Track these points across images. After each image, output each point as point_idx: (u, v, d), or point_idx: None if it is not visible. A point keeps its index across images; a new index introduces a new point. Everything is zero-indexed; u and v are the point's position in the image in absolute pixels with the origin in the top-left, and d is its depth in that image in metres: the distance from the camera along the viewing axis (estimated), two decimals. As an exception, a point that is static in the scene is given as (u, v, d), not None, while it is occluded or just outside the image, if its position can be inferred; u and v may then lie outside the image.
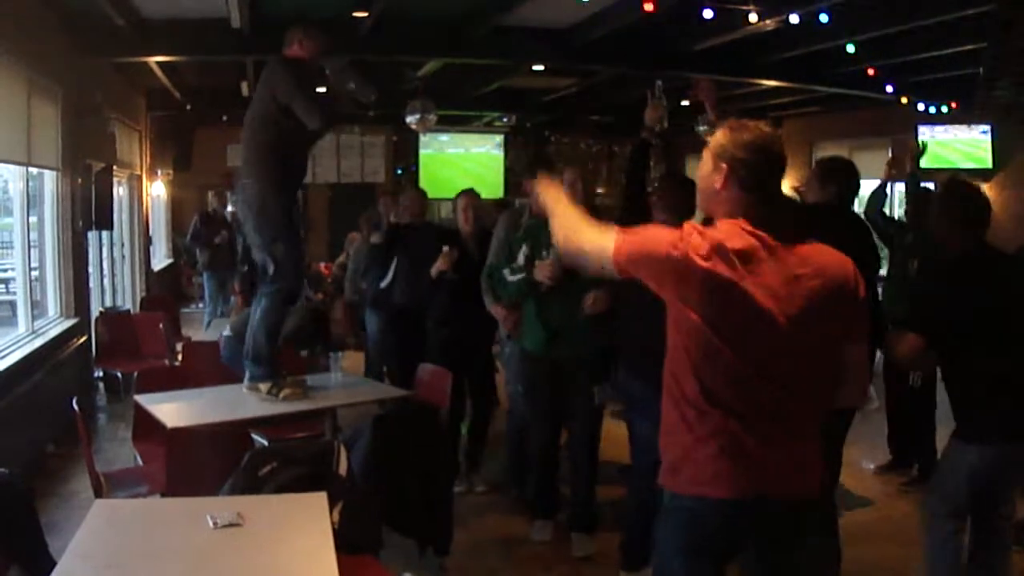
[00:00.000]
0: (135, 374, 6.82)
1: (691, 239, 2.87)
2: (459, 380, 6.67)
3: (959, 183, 4.72)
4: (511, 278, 6.04)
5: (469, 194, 7.51)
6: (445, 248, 6.89)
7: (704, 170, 3.03)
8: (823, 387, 3.01)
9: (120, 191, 13.08)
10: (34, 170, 8.84)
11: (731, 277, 2.82)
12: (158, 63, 11.44)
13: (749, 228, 2.90)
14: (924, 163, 11.56)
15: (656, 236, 2.96)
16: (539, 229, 5.68)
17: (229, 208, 13.03)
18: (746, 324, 2.85)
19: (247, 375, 6.05)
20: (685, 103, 16.31)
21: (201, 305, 16.18)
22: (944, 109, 13.57)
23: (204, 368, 7.07)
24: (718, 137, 3.00)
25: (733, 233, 2.89)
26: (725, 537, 3.03)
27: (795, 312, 2.85)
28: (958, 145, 13.95)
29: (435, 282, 6.95)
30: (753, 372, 2.87)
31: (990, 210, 4.51)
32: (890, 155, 12.60)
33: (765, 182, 2.94)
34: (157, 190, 16.71)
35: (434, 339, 7.10)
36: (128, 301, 13.47)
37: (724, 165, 2.95)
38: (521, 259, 5.99)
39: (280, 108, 5.85)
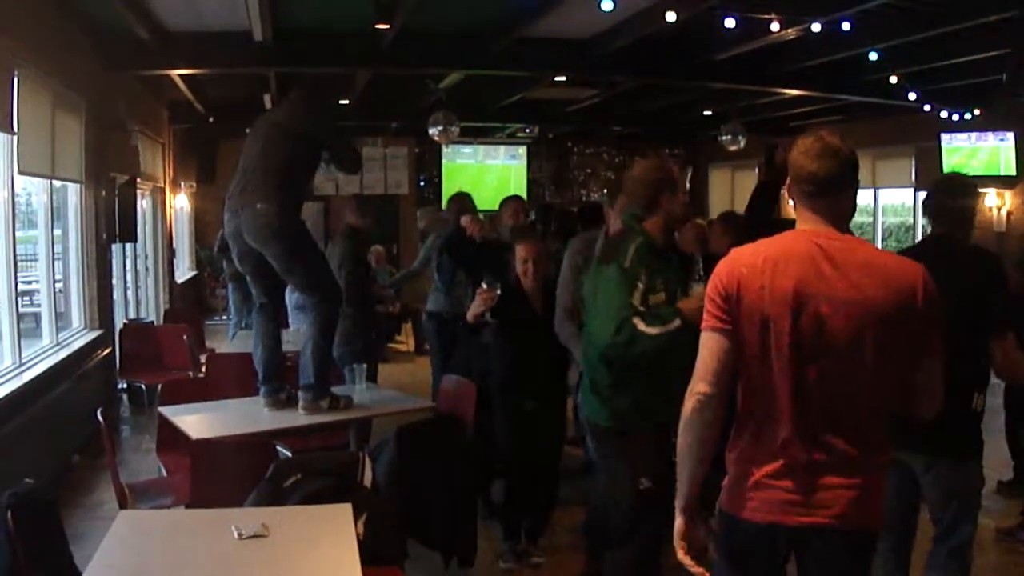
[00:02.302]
0: (159, 386, 6.83)
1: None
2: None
3: None
4: (651, 330, 4.12)
5: (518, 200, 7.00)
6: (484, 283, 5.76)
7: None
8: (883, 399, 2.93)
9: (144, 203, 13.14)
10: (58, 183, 8.89)
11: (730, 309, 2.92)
12: (181, 76, 11.48)
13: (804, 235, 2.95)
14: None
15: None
16: (648, 251, 4.38)
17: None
18: (764, 334, 2.86)
19: (307, 398, 6.00)
20: (707, 113, 16.36)
21: (224, 317, 16.23)
22: (967, 116, 13.50)
23: (228, 380, 7.06)
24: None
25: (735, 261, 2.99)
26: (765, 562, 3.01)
27: (845, 321, 2.81)
28: (981, 153, 13.89)
29: (474, 330, 6.12)
30: (799, 382, 2.85)
31: None
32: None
33: (811, 191, 2.95)
34: (180, 202, 16.77)
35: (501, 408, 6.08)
36: (152, 313, 13.52)
37: (789, 175, 3.02)
38: (660, 296, 4.32)
39: (311, 146, 5.99)
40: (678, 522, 3.07)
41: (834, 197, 2.94)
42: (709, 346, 2.96)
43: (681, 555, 3.06)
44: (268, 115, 6.44)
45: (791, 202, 3.03)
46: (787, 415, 2.86)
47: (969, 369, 4.13)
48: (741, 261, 2.95)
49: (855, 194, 3.02)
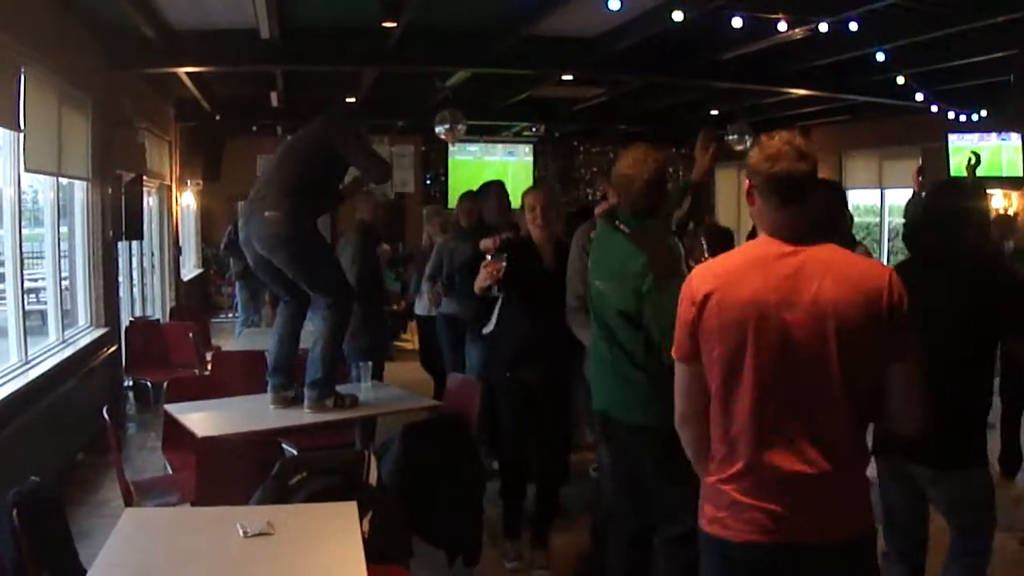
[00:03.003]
0: (165, 383, 6.83)
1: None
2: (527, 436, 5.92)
3: None
4: None
5: (543, 190, 6.30)
6: (488, 253, 5.73)
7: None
8: (856, 408, 2.84)
9: (150, 201, 13.14)
10: (64, 180, 8.90)
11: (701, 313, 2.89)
12: (187, 74, 11.48)
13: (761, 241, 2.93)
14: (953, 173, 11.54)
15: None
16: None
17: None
18: (738, 342, 2.83)
19: (313, 395, 6.03)
20: (714, 112, 16.34)
21: (230, 315, 16.24)
22: (975, 117, 13.47)
23: (234, 378, 7.07)
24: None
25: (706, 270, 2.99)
26: None
27: (809, 324, 2.76)
28: (988, 154, 13.85)
29: (481, 302, 6.15)
30: (767, 391, 2.80)
31: None
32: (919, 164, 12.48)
33: (775, 191, 2.88)
34: (187, 200, 16.78)
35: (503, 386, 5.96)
36: (158, 311, 13.53)
37: (747, 180, 2.96)
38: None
39: (327, 156, 5.99)
40: None
41: (800, 202, 2.87)
42: (680, 377, 3.04)
43: None
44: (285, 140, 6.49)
45: (750, 206, 2.96)
46: (758, 430, 2.82)
47: (973, 379, 4.06)
48: (699, 278, 2.94)
49: (821, 198, 2.98)
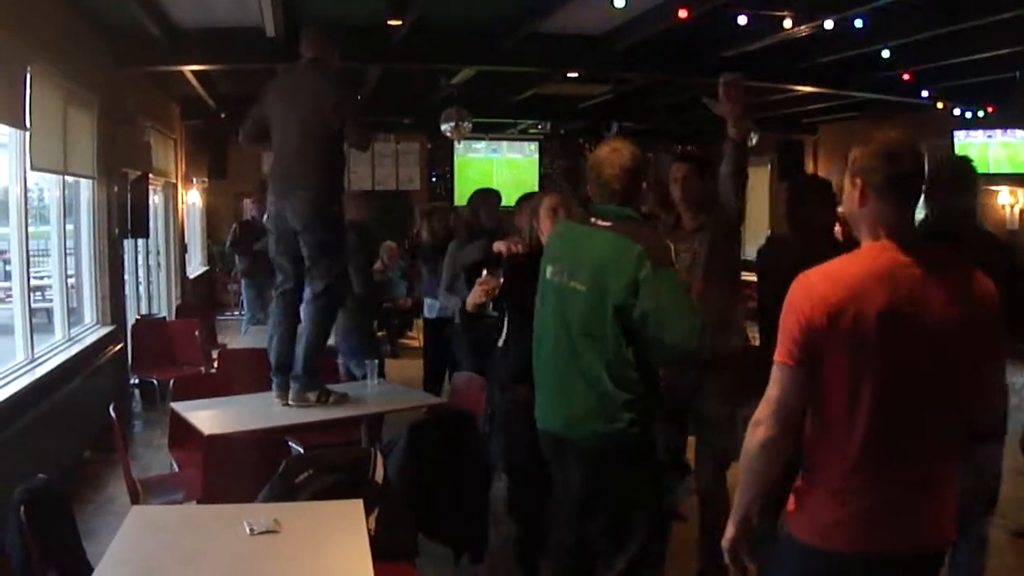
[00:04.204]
0: (171, 381, 6.84)
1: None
2: None
3: None
4: None
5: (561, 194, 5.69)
6: (484, 271, 5.36)
7: (845, 192, 2.89)
8: (957, 416, 2.81)
9: (156, 199, 13.15)
10: (70, 178, 8.91)
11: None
12: (193, 72, 11.50)
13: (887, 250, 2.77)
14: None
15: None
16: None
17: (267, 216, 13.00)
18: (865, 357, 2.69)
19: (296, 387, 6.04)
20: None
21: (236, 312, 16.26)
22: (981, 114, 13.46)
23: (240, 375, 7.08)
24: (852, 153, 2.87)
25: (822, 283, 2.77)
26: None
27: (939, 332, 2.70)
28: (994, 150, 13.86)
29: (472, 321, 5.83)
30: (894, 401, 2.71)
31: None
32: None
33: (903, 189, 2.78)
34: (192, 198, 16.79)
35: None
36: (164, 308, 13.53)
37: (858, 180, 2.81)
38: None
39: (338, 121, 5.98)
40: (734, 531, 2.96)
41: (916, 204, 2.81)
42: (785, 382, 2.79)
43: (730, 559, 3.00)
44: (286, 88, 6.36)
45: (856, 207, 2.82)
46: (883, 439, 2.72)
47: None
48: (821, 285, 2.75)
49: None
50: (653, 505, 4.37)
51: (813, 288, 2.74)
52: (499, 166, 20.68)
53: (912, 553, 2.78)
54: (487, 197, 8.14)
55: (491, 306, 5.34)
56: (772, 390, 2.82)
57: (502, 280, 5.24)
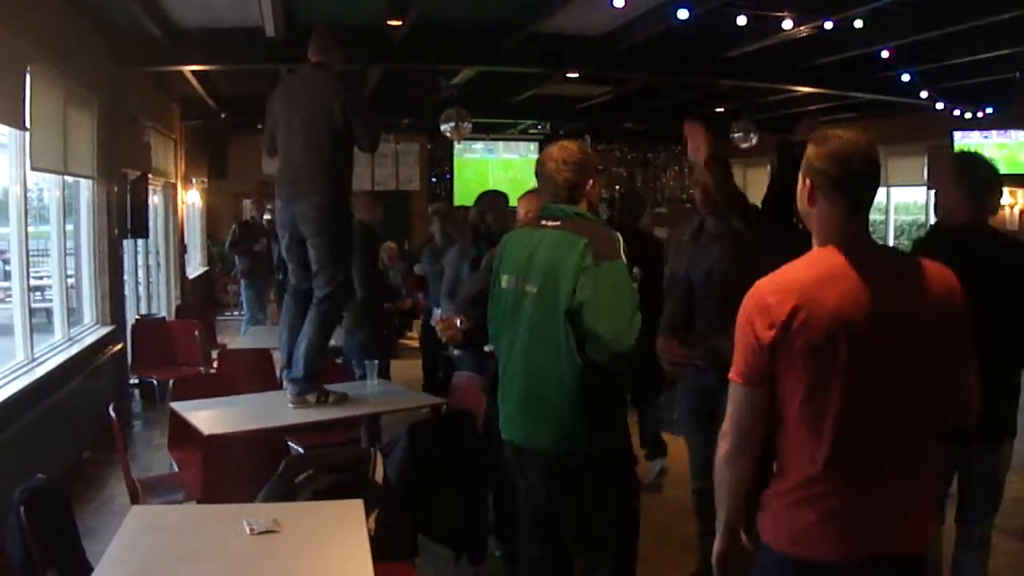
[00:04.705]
0: (170, 381, 6.84)
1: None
2: None
3: None
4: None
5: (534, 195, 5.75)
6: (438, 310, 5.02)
7: (798, 189, 2.87)
8: (926, 419, 2.78)
9: (155, 199, 13.16)
10: (70, 179, 8.91)
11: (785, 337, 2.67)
12: (193, 72, 11.50)
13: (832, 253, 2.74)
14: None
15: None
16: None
17: (267, 217, 12.98)
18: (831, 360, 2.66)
19: (296, 389, 6.04)
20: (719, 110, 16.33)
21: (236, 312, 16.25)
22: (980, 114, 13.47)
23: (239, 375, 7.09)
24: (806, 152, 2.84)
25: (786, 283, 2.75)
26: None
27: (897, 334, 2.67)
28: (994, 151, 13.86)
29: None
30: (857, 406, 2.67)
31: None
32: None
33: (852, 193, 2.75)
34: (192, 198, 16.79)
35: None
36: (163, 309, 13.54)
37: (808, 180, 2.80)
38: None
39: (345, 123, 5.95)
40: (722, 544, 2.92)
41: (867, 207, 2.80)
42: (741, 403, 2.78)
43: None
44: (292, 91, 6.33)
45: (807, 206, 2.82)
46: (847, 445, 2.68)
47: (1012, 354, 4.09)
48: (772, 297, 2.71)
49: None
50: (621, 516, 4.18)
51: (762, 300, 2.72)
52: (498, 167, 20.69)
53: (887, 557, 2.74)
54: (495, 200, 7.77)
55: (454, 349, 5.14)
56: (730, 408, 2.81)
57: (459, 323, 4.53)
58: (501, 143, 20.91)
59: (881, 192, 16.57)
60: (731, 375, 2.79)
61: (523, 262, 4.07)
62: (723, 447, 2.82)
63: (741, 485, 2.84)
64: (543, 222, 4.10)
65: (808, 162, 2.80)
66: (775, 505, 2.83)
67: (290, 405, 6.00)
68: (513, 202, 6.47)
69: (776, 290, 2.71)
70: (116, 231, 9.93)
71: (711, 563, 2.99)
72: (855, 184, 2.74)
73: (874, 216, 17.31)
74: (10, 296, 7.66)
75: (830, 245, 2.75)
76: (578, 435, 3.92)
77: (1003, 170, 12.06)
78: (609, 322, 3.72)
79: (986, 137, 14.05)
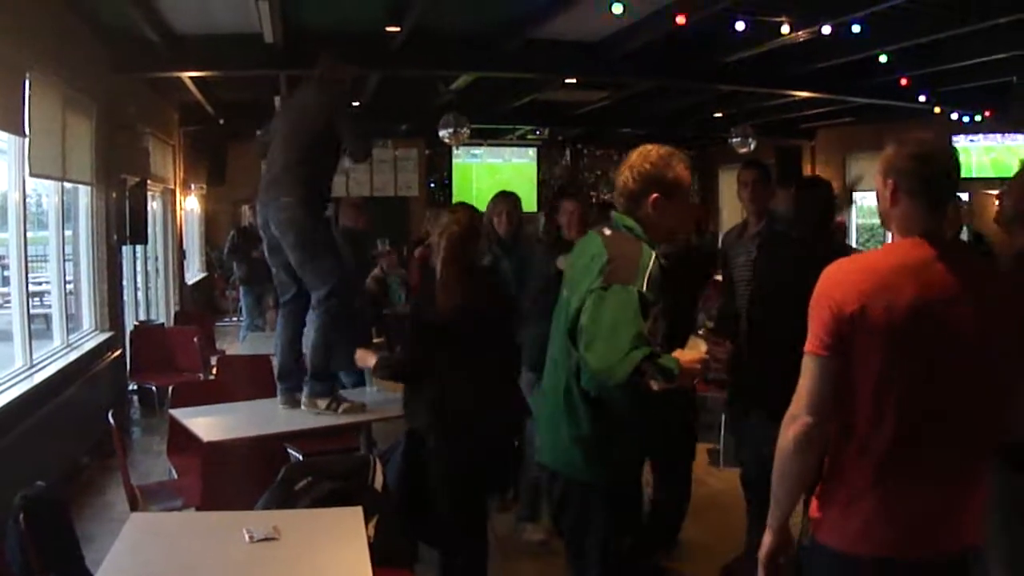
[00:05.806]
0: (170, 388, 6.83)
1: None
2: None
3: None
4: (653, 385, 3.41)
5: (509, 198, 6.47)
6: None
7: (877, 190, 2.88)
8: (992, 416, 2.78)
9: (154, 205, 13.17)
10: (69, 185, 8.92)
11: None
12: (191, 78, 11.50)
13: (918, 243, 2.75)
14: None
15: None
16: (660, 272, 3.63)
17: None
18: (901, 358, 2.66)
19: (307, 392, 6.02)
20: (717, 115, 16.34)
21: (235, 319, 16.24)
22: (978, 118, 13.48)
23: (238, 382, 7.07)
24: (884, 153, 2.84)
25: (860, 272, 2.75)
26: None
27: (971, 330, 2.67)
28: (992, 155, 13.89)
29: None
30: (924, 400, 2.67)
31: None
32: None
33: (935, 190, 2.77)
34: (191, 204, 16.81)
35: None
36: (162, 315, 13.54)
37: (890, 180, 2.80)
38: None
39: (331, 134, 5.96)
40: (770, 541, 2.90)
41: (948, 204, 2.81)
42: (817, 373, 2.73)
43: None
44: (288, 103, 6.42)
45: (889, 206, 2.81)
46: (902, 440, 2.68)
47: None
48: (854, 275, 2.73)
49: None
50: (606, 553, 3.80)
51: (845, 277, 2.73)
52: (497, 172, 20.69)
53: (939, 558, 2.74)
54: (496, 204, 7.22)
55: None
56: (804, 381, 2.76)
57: None
58: (500, 149, 20.90)
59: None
60: (807, 347, 2.75)
61: (569, 271, 3.92)
62: (795, 427, 2.75)
63: (809, 471, 2.80)
64: (604, 228, 3.82)
65: (890, 163, 2.81)
66: (833, 504, 2.82)
67: (302, 407, 5.98)
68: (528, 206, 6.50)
69: (861, 271, 2.75)
70: (115, 237, 9.94)
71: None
72: (938, 181, 2.76)
73: (875, 220, 17.33)
74: (9, 302, 7.66)
75: (915, 238, 2.76)
76: (573, 460, 3.73)
77: (990, 173, 12.08)
78: (602, 351, 3.38)
79: (973, 141, 14.09)
